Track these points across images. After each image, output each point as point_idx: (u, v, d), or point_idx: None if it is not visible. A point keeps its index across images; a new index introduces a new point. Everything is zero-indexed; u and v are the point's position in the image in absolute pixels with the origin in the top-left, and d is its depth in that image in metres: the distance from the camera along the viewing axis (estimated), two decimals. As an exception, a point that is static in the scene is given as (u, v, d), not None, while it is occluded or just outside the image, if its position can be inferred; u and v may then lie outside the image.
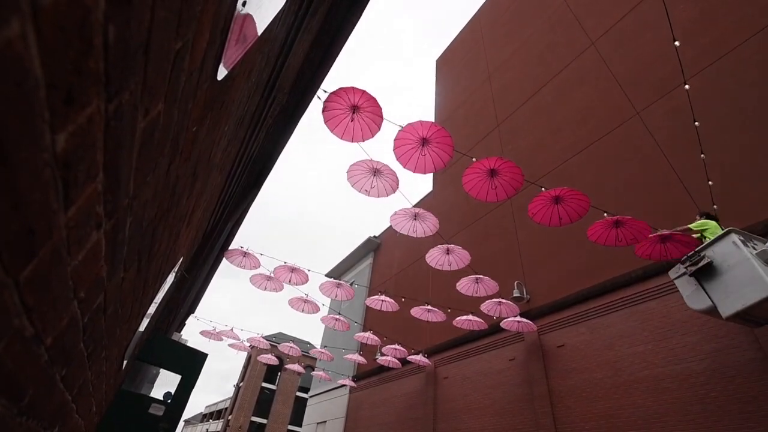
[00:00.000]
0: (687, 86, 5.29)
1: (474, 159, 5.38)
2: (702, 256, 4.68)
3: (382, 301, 9.59)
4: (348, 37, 3.35)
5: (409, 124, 4.97)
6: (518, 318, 8.24)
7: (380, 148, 5.91)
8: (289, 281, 8.76)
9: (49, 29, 0.36)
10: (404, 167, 5.46)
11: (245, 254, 7.88)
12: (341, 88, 4.48)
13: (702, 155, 5.53)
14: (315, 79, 3.75)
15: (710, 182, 5.62)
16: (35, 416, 0.85)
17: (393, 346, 11.41)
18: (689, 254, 4.89)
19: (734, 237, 4.52)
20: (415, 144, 5.21)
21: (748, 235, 4.67)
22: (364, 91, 4.52)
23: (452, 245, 7.44)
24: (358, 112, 4.74)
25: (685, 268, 4.84)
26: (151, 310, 3.01)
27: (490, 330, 9.76)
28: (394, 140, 5.16)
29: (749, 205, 6.06)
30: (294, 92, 3.85)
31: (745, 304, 4.20)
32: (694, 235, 5.16)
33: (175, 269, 3.41)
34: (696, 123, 5.49)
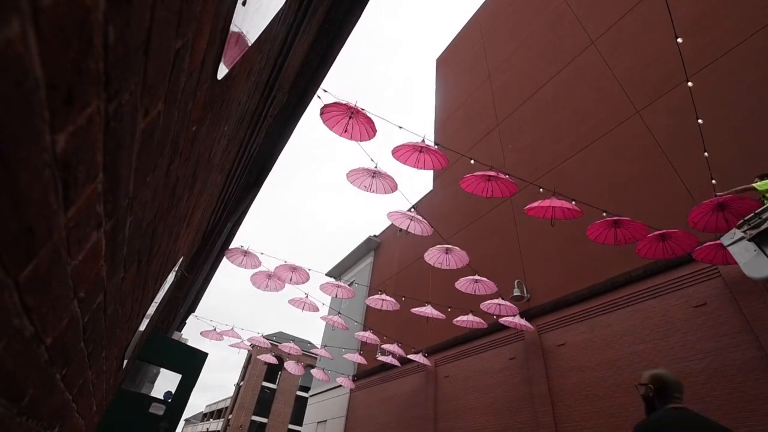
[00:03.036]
0: (690, 83, 5.26)
1: (473, 161, 5.38)
2: (764, 218, 4.09)
3: (383, 300, 9.59)
4: (348, 36, 3.35)
5: (407, 143, 5.07)
6: (517, 319, 8.25)
7: (381, 148, 5.92)
8: (290, 280, 8.77)
9: (49, 29, 0.36)
10: (404, 164, 5.49)
11: (245, 253, 7.88)
12: (335, 103, 4.55)
13: (705, 153, 5.50)
14: (315, 79, 3.75)
15: (714, 181, 5.59)
16: (35, 416, 0.85)
17: (393, 344, 11.42)
18: (747, 217, 4.29)
19: None
20: (412, 150, 5.27)
21: None
22: (359, 110, 4.62)
23: (451, 246, 7.45)
24: (355, 117, 4.78)
25: (743, 232, 4.25)
26: (152, 309, 3.01)
27: (490, 329, 9.77)
28: (392, 151, 5.23)
29: (749, 204, 6.05)
30: (294, 92, 3.84)
31: None
32: (757, 197, 4.48)
33: (176, 269, 3.41)
34: (699, 120, 5.46)
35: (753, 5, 7.34)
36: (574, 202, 5.51)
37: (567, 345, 8.07)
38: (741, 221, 4.41)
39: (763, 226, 4.05)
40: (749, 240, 4.23)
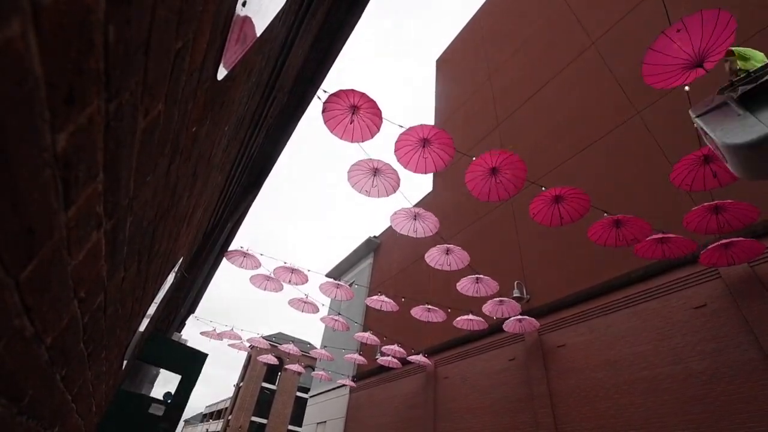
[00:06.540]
0: (687, 87, 5.25)
1: (474, 158, 5.37)
2: (762, 73, 3.49)
3: (382, 301, 9.58)
4: (348, 37, 3.35)
5: (411, 127, 4.98)
6: (520, 316, 8.20)
7: (381, 147, 5.90)
8: (289, 281, 8.77)
9: (50, 28, 0.36)
10: (405, 168, 5.47)
11: (245, 254, 7.88)
12: (341, 90, 4.48)
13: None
14: (315, 79, 3.75)
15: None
16: (35, 416, 0.85)
17: (393, 346, 11.41)
18: (733, 80, 3.75)
19: None
20: (415, 145, 5.22)
21: None
22: (363, 94, 4.52)
23: (452, 246, 7.43)
24: (357, 113, 4.75)
25: (728, 92, 3.68)
26: (152, 310, 3.01)
27: (490, 330, 9.76)
28: (396, 142, 5.16)
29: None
30: (294, 92, 3.85)
31: None
32: (732, 65, 3.93)
33: (175, 269, 3.41)
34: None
35: (753, 5, 7.34)
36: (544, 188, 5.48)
37: (567, 346, 8.06)
38: (723, 86, 3.74)
39: (763, 80, 3.34)
40: (738, 99, 3.54)
